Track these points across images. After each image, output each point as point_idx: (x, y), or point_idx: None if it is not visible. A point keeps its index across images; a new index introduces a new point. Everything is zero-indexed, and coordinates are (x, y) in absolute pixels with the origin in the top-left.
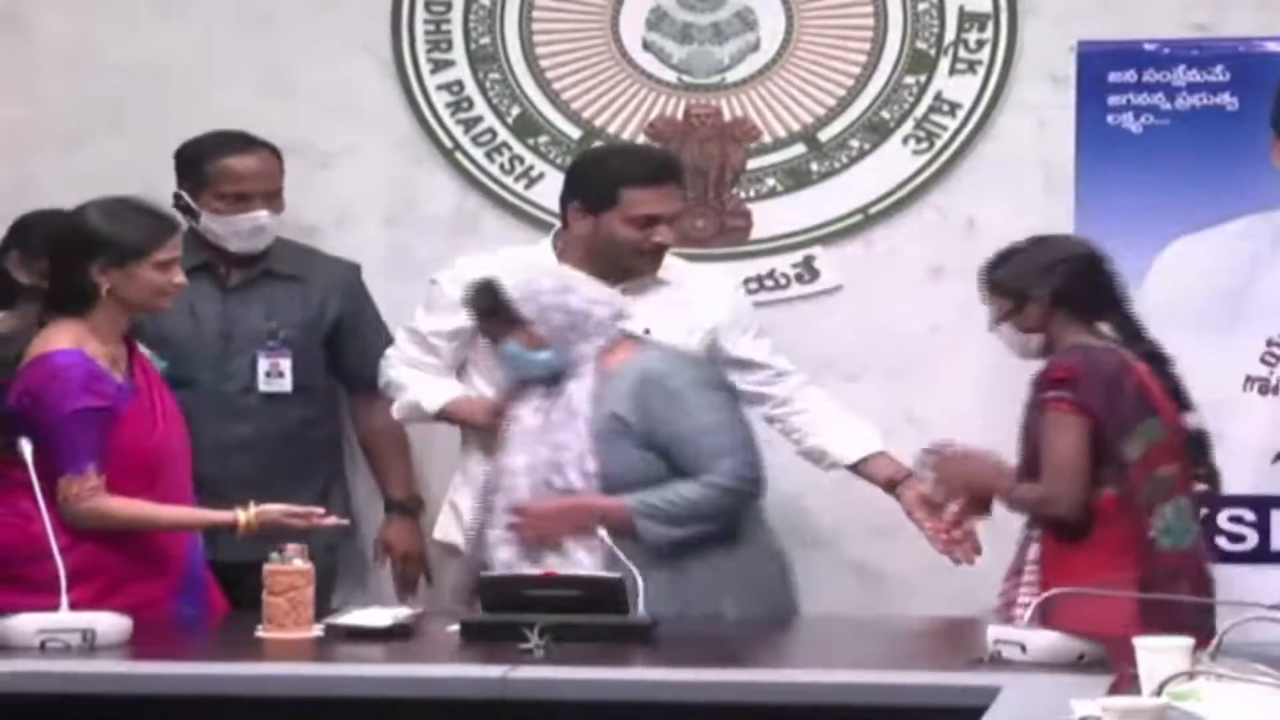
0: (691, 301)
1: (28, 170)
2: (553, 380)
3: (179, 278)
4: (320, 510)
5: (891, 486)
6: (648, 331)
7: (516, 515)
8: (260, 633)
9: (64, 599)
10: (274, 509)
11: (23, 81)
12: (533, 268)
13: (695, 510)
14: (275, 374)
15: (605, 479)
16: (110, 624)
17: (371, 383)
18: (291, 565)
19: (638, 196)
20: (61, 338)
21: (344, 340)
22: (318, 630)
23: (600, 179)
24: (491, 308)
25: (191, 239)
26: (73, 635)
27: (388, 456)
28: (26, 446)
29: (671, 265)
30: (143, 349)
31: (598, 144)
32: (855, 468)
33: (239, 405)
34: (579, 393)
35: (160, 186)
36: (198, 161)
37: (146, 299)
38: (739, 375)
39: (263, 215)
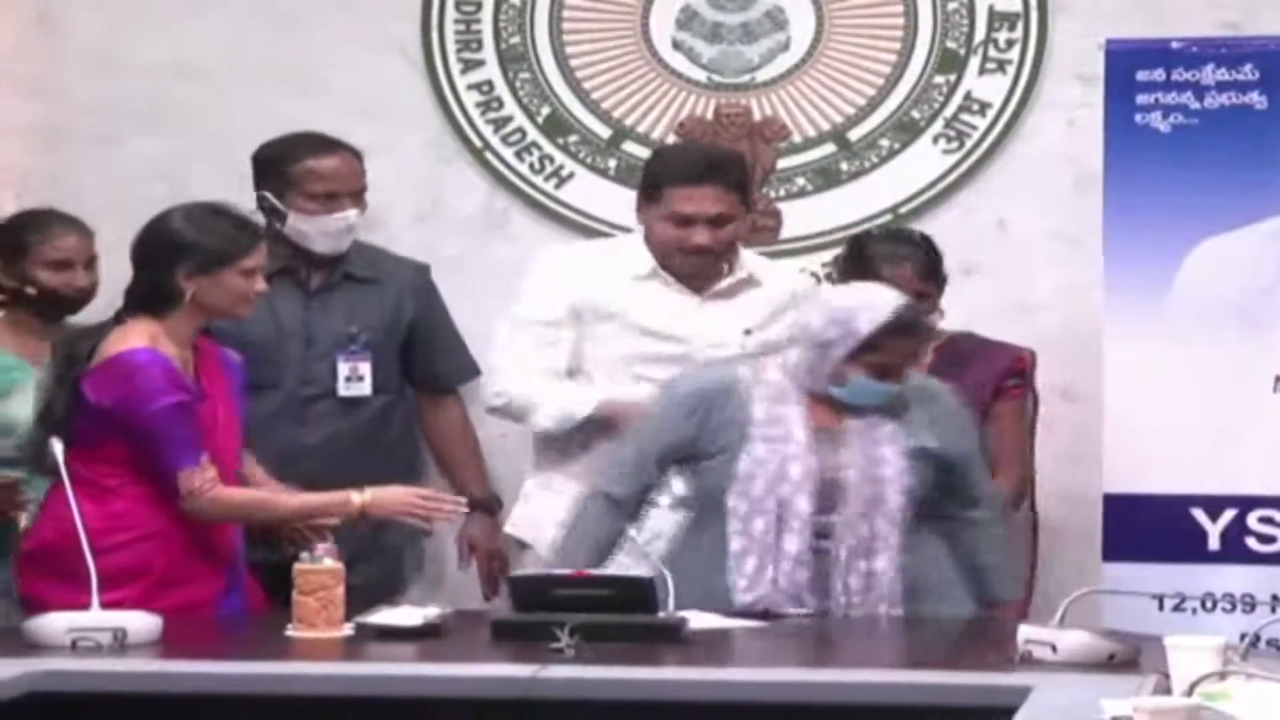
0: (779, 299)
1: (60, 168)
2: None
3: (261, 285)
4: (449, 497)
5: None
6: (748, 332)
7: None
8: (290, 632)
9: (95, 598)
10: (394, 495)
11: (54, 80)
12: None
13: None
14: (355, 378)
15: (909, 495)
16: (141, 623)
17: (442, 384)
18: (321, 565)
19: (674, 194)
20: (137, 337)
21: (417, 342)
22: (348, 629)
23: (648, 175)
24: (911, 327)
25: (270, 243)
26: (103, 634)
27: (463, 457)
28: (57, 446)
29: (760, 264)
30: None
31: (632, 143)
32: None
33: (319, 409)
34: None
35: (191, 185)
36: (281, 163)
37: (229, 305)
38: None
39: (352, 214)
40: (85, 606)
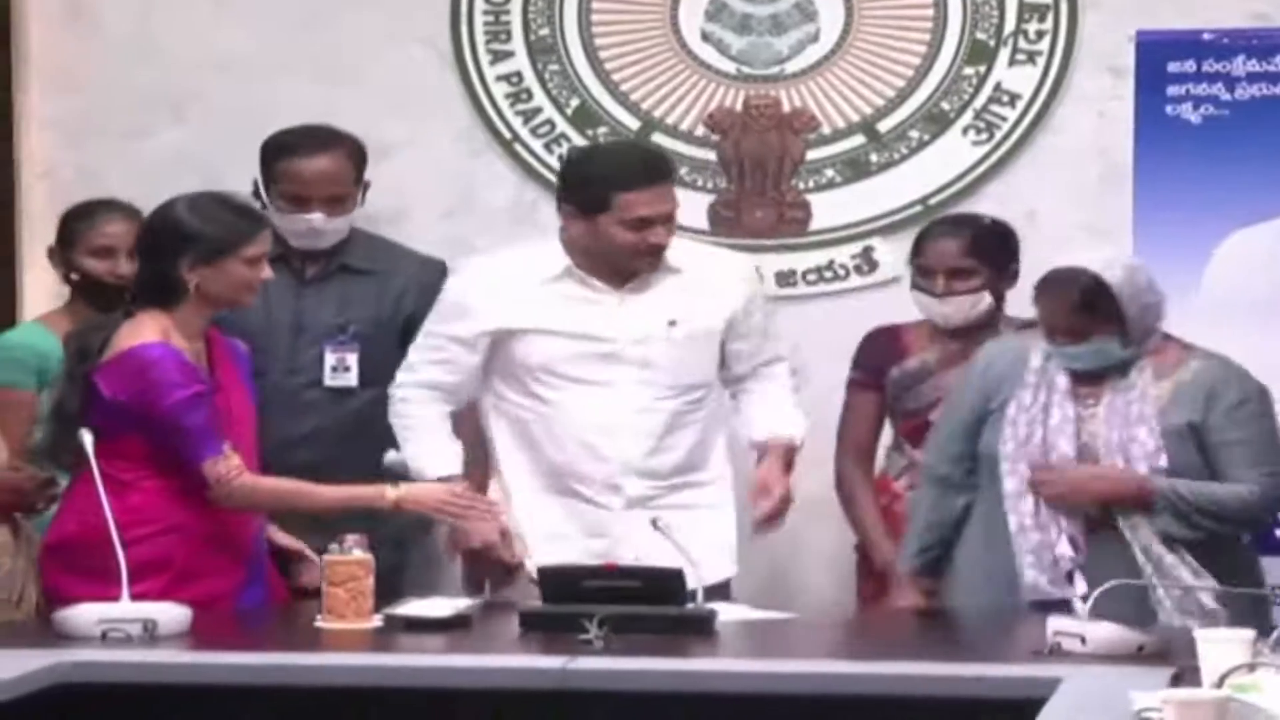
0: (707, 287)
1: (91, 160)
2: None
3: (266, 273)
4: (481, 497)
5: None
6: (673, 324)
7: (1043, 475)
8: (319, 623)
9: (125, 589)
10: (429, 491)
11: (86, 73)
12: (1118, 258)
13: (1219, 511)
14: (341, 368)
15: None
16: (171, 614)
17: None
18: (351, 556)
19: (630, 200)
20: (148, 331)
21: (414, 336)
22: (377, 621)
23: (591, 183)
24: (1092, 301)
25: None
26: (134, 625)
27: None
28: (88, 437)
29: (680, 250)
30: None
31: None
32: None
33: (305, 399)
34: (1144, 387)
35: (222, 178)
36: (269, 157)
37: (233, 294)
38: (733, 362)
39: (317, 218)
40: (110, 600)
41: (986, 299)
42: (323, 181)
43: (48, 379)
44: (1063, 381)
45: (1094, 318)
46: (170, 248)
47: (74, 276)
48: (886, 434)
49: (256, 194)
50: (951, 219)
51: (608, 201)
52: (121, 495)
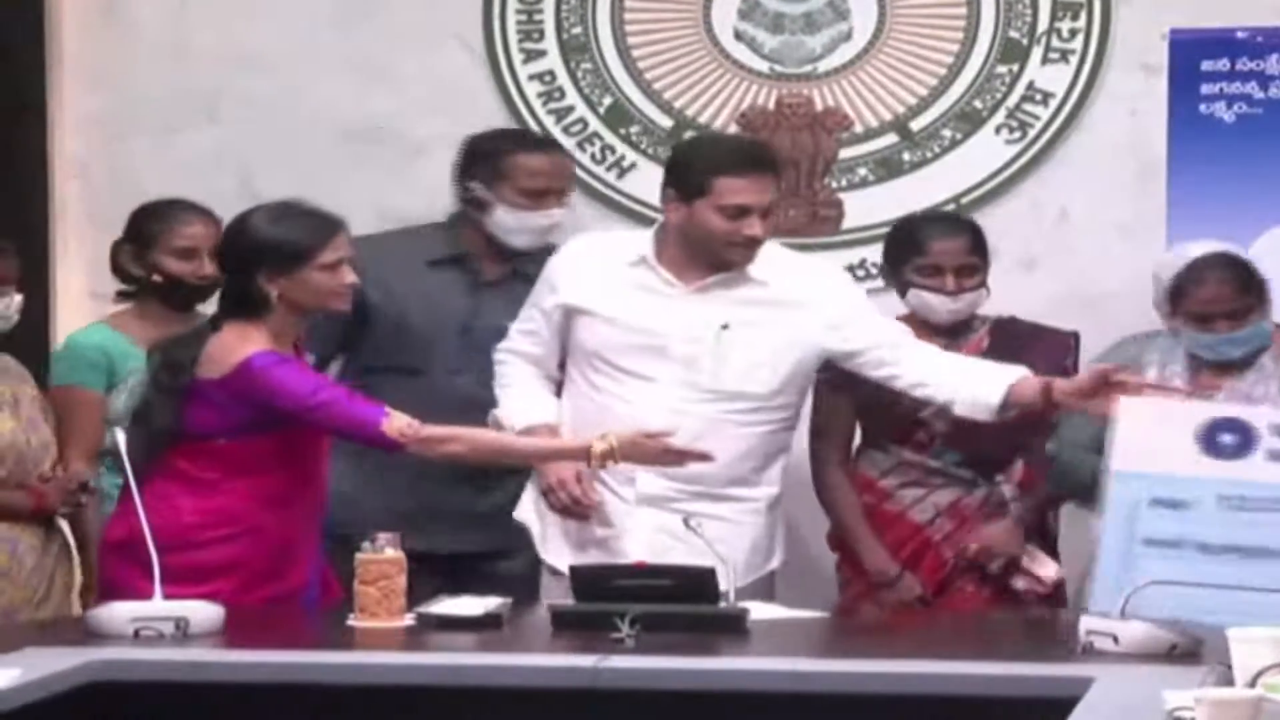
0: (786, 300)
1: (124, 159)
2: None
3: (349, 278)
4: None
5: (1048, 396)
6: (726, 327)
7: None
8: (352, 621)
9: (158, 588)
10: (646, 447)
11: (120, 71)
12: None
13: None
14: None
15: None
16: (203, 612)
17: None
18: (383, 554)
19: (728, 185)
20: (254, 342)
21: None
22: (409, 619)
23: (693, 167)
24: (1247, 284)
25: (445, 231)
26: (166, 624)
27: None
28: (120, 435)
29: (769, 262)
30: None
31: (692, 133)
32: (1004, 402)
33: (465, 395)
34: (1267, 371)
35: (255, 175)
36: (494, 155)
37: (317, 301)
38: (863, 363)
39: (557, 213)
40: (179, 597)
41: (985, 294)
42: (559, 174)
43: (116, 380)
44: (1180, 383)
45: (1249, 299)
46: (247, 259)
47: (156, 278)
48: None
49: (466, 196)
50: (943, 218)
51: (706, 186)
52: (205, 496)
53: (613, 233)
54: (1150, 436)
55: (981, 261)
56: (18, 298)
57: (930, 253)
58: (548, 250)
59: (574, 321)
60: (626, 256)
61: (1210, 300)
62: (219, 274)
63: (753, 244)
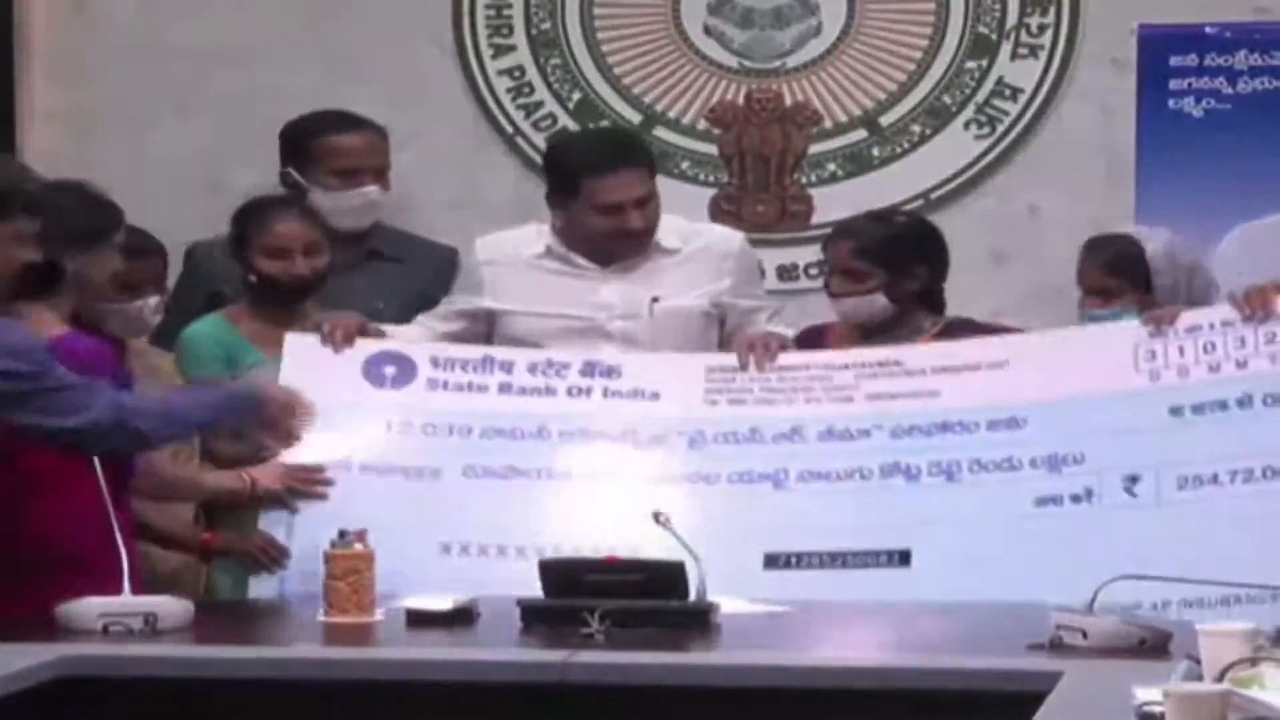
0: (694, 262)
1: (94, 154)
2: None
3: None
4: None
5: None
6: (656, 300)
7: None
8: (321, 617)
9: (126, 584)
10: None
11: (91, 65)
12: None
13: None
14: None
15: None
16: (172, 608)
17: None
18: (353, 549)
19: (598, 186)
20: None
21: None
22: (379, 614)
23: (561, 171)
24: (1120, 266)
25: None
26: (134, 619)
27: None
28: None
29: (673, 229)
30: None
31: (663, 129)
32: None
33: None
34: None
35: (226, 170)
36: (303, 139)
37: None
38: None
39: (373, 190)
40: None
41: (880, 301)
42: (371, 152)
43: (234, 371)
44: None
45: (1119, 281)
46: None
47: (251, 278)
48: None
49: (285, 181)
50: (866, 217)
51: (578, 188)
52: None
53: (505, 232)
54: (317, 370)
55: (872, 267)
56: (153, 300)
57: (825, 250)
58: (400, 234)
59: (503, 321)
60: (532, 249)
61: (1078, 275)
62: (313, 273)
63: (639, 235)
